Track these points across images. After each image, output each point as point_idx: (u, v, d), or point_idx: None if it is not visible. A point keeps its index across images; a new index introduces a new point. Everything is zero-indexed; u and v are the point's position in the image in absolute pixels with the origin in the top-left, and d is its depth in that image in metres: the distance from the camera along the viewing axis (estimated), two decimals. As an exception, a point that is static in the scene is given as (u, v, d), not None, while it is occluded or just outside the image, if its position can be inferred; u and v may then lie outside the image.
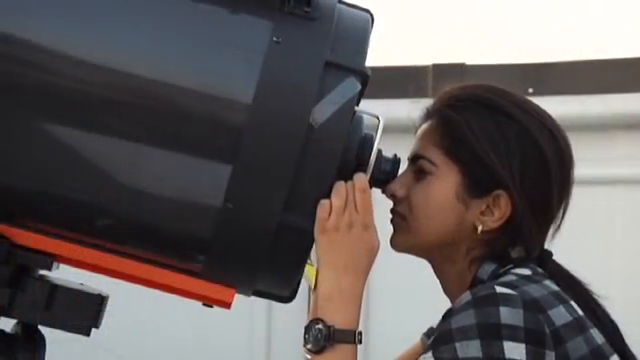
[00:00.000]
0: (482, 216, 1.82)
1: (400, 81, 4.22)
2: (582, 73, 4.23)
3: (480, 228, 1.81)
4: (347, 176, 1.76)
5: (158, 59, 1.66)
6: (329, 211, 1.71)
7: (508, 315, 1.65)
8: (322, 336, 1.71)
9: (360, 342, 1.73)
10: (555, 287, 1.76)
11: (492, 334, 1.64)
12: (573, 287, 1.82)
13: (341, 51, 1.69)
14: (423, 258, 1.91)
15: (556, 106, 4.01)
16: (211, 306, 1.86)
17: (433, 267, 1.91)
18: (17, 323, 1.79)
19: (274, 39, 1.65)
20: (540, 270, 1.81)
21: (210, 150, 1.67)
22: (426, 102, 1.95)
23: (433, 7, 5.52)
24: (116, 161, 1.67)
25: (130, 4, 1.67)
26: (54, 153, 1.66)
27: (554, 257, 1.88)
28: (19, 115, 1.64)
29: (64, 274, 1.80)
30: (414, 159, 1.88)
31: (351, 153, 1.75)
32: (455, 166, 1.82)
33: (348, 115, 1.69)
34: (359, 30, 1.75)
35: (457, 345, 1.65)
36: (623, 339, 1.80)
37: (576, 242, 3.92)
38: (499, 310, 1.65)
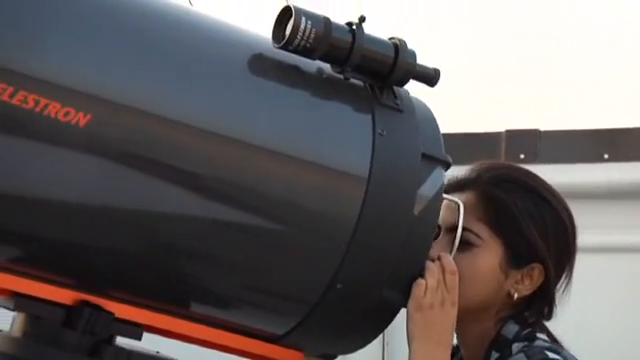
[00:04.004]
0: (517, 284, 2.06)
1: (473, 147, 4.21)
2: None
3: (516, 295, 2.06)
4: None
5: (284, 138, 1.73)
6: (425, 290, 1.86)
7: None
8: None
9: None
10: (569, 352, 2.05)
11: None
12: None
13: (428, 142, 1.84)
14: None
15: (633, 172, 3.99)
16: None
17: (456, 323, 2.06)
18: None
19: (379, 131, 1.78)
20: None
21: (328, 234, 1.76)
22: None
23: (505, 73, 5.52)
24: (236, 233, 1.70)
25: (257, 90, 1.73)
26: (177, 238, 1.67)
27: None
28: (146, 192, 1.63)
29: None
30: (454, 229, 2.01)
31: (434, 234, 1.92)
32: (499, 240, 2.05)
33: (439, 203, 1.84)
34: (431, 119, 1.90)
35: None
36: None
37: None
38: None
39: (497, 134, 4.29)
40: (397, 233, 1.78)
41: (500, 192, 2.06)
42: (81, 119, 1.52)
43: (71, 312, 1.66)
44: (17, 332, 1.69)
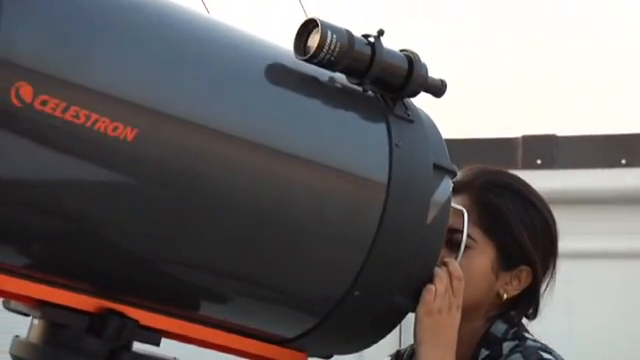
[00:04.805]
0: (506, 285, 2.17)
1: (490, 153, 4.21)
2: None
3: (505, 296, 2.16)
4: None
5: (312, 147, 1.77)
6: (434, 295, 1.93)
7: None
8: None
9: None
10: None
11: None
12: None
13: (437, 153, 1.90)
14: None
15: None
16: None
17: None
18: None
19: (395, 142, 1.82)
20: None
21: (349, 242, 1.80)
22: None
23: (522, 78, 5.52)
24: (260, 242, 1.72)
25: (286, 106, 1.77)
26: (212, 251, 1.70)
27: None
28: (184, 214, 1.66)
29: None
30: (448, 232, 2.06)
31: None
32: (492, 242, 2.15)
33: (447, 212, 1.89)
34: (436, 129, 1.95)
35: None
36: None
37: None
38: None
39: (514, 139, 4.29)
40: (412, 242, 1.83)
41: (494, 197, 2.17)
42: (129, 133, 1.55)
43: (95, 319, 1.67)
44: (35, 338, 1.70)
